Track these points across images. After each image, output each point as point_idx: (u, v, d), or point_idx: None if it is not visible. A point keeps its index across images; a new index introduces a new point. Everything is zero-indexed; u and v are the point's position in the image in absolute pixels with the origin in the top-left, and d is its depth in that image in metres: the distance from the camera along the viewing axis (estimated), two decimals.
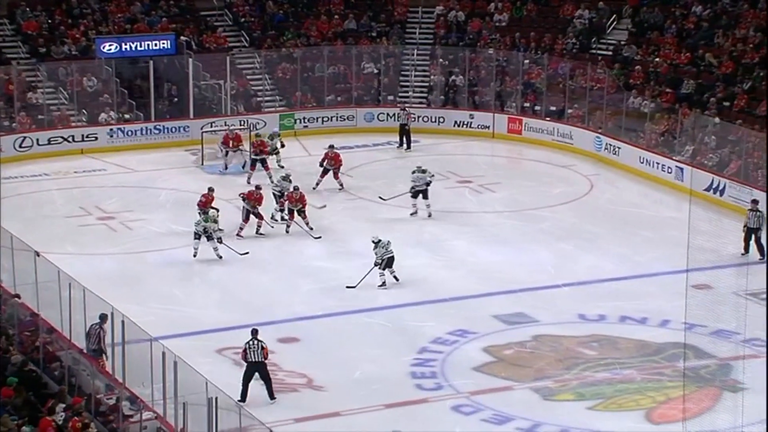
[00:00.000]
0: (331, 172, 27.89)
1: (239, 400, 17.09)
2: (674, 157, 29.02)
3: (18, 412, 15.34)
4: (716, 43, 32.24)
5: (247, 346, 17.79)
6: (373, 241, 22.28)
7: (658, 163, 29.23)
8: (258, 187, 25.42)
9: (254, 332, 17.97)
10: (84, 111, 32.29)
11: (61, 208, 26.95)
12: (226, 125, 31.44)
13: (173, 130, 32.21)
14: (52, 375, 17.09)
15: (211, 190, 25.50)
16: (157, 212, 26.66)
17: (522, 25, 35.94)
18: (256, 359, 17.72)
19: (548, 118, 32.81)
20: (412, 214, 26.21)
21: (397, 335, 20.28)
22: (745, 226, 23.83)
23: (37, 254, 19.11)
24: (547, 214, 26.77)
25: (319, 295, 21.99)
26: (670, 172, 28.80)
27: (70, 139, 31.32)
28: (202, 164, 30.09)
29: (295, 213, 25.02)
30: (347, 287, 21.97)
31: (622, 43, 34.23)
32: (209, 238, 23.41)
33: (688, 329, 19.27)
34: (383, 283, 22.08)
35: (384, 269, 22.10)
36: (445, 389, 18.61)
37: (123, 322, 16.79)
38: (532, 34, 35.19)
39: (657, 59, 32.82)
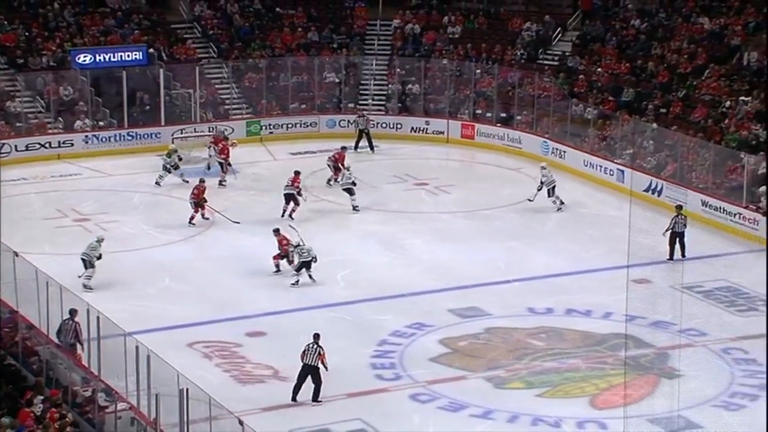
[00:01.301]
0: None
1: (292, 399, 17.39)
2: (615, 160, 29.22)
3: None
4: (653, 54, 32.52)
5: (307, 348, 17.63)
6: (296, 244, 22.21)
7: (600, 166, 29.41)
8: (202, 180, 25.95)
9: (316, 337, 17.80)
10: (60, 119, 31.98)
11: (39, 210, 26.67)
12: (195, 132, 31.29)
13: (145, 136, 31.99)
14: (31, 369, 16.90)
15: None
16: (131, 214, 26.46)
17: (474, 37, 36.04)
18: (311, 362, 17.53)
19: (499, 124, 32.92)
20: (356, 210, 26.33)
21: (359, 329, 20.29)
22: (671, 231, 23.37)
23: (16, 254, 18.90)
24: (499, 214, 26.85)
25: (283, 291, 21.93)
26: (612, 174, 28.99)
27: (47, 145, 31.01)
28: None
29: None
30: (292, 284, 21.81)
31: (567, 54, 34.42)
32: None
33: (628, 321, 19.43)
34: (296, 282, 21.90)
35: (300, 270, 21.97)
36: (403, 379, 18.63)
37: (98, 318, 16.66)
38: (483, 45, 35.29)
39: (599, 69, 33.04)
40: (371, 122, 32.40)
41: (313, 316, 20.78)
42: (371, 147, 31.64)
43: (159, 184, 28.15)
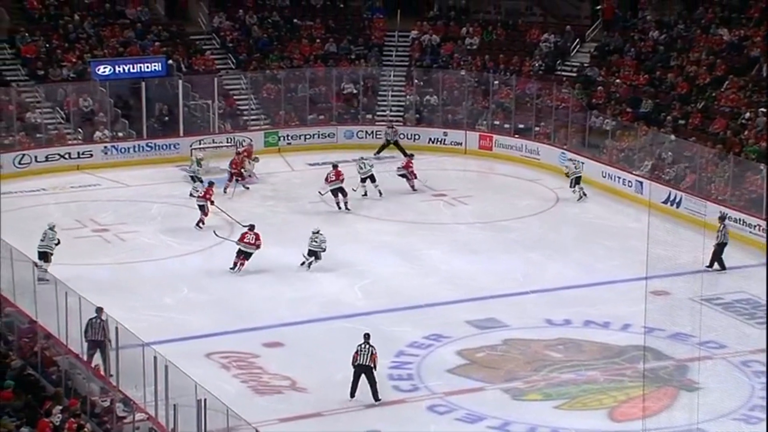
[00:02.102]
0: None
1: (351, 396, 17.70)
2: (634, 172, 29.13)
3: (17, 414, 15.23)
4: (672, 65, 32.43)
5: (359, 348, 17.84)
6: (312, 232, 23.23)
7: (619, 177, 29.34)
8: (211, 183, 26.73)
9: (367, 337, 18.03)
10: (80, 129, 32.14)
11: (58, 221, 26.64)
12: (213, 142, 31.43)
13: (164, 147, 32.11)
14: (50, 379, 16.97)
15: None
16: (149, 224, 26.55)
17: (492, 48, 36.06)
18: (365, 362, 17.72)
19: (517, 136, 32.88)
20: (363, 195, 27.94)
21: (376, 340, 20.17)
22: (718, 243, 23.31)
23: (36, 265, 18.99)
24: (516, 225, 26.81)
25: (301, 301, 21.94)
26: (630, 186, 28.91)
27: (66, 156, 31.16)
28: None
29: None
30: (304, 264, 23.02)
31: (585, 65, 34.39)
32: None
33: (647, 333, 19.35)
34: (303, 263, 23.12)
35: (311, 257, 23.10)
36: (421, 390, 18.59)
37: (117, 328, 16.72)
38: (501, 56, 35.31)
39: (617, 80, 32.98)
40: (399, 134, 32.67)
41: (331, 326, 20.79)
42: (404, 154, 31.66)
43: (194, 195, 27.89)
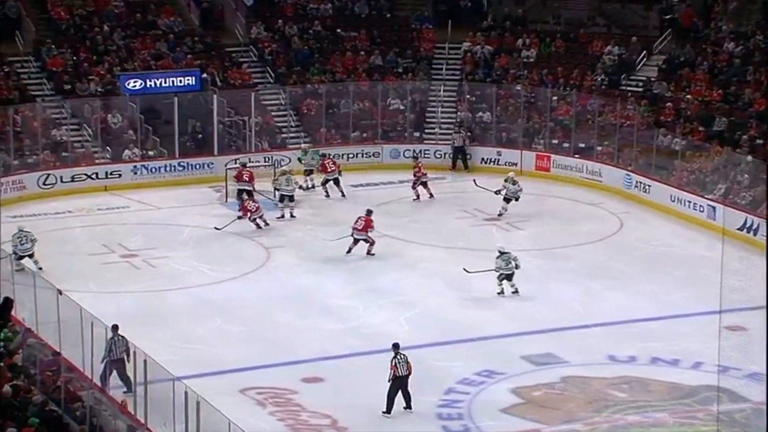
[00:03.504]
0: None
1: (384, 412, 18.27)
2: (706, 196, 28.90)
3: None
4: (749, 79, 32.18)
5: (396, 362, 18.38)
6: (499, 251, 23.57)
7: (689, 202, 29.13)
8: (244, 164, 29.57)
9: (397, 346, 18.66)
10: (108, 148, 32.54)
11: (84, 245, 27.10)
12: (250, 161, 31.67)
13: (197, 166, 32.42)
14: (74, 415, 17.10)
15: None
16: (181, 250, 26.77)
17: (550, 61, 36.04)
18: (404, 373, 18.39)
19: (577, 156, 32.79)
20: (499, 215, 28.75)
21: (423, 375, 20.16)
22: None
23: (60, 292, 19.21)
24: (576, 253, 26.69)
25: (342, 333, 21.98)
26: (702, 211, 28.68)
27: (93, 176, 31.56)
28: (226, 201, 30.23)
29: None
30: (465, 270, 23.67)
31: (653, 79, 34.23)
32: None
33: (721, 372, 19.13)
34: (501, 291, 23.46)
35: (502, 281, 23.42)
36: (472, 431, 18.52)
37: (145, 361, 16.83)
38: (560, 69, 35.27)
39: (688, 96, 32.79)
40: (467, 140, 33.22)
41: (375, 360, 20.71)
42: (465, 165, 32.45)
43: (282, 216, 28.57)
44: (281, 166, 31.14)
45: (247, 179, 29.57)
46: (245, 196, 28.72)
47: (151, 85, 32.86)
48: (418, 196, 30.44)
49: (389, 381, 18.48)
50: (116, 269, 25.42)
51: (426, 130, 35.01)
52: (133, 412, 17.16)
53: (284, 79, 35.45)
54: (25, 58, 33.98)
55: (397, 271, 25.23)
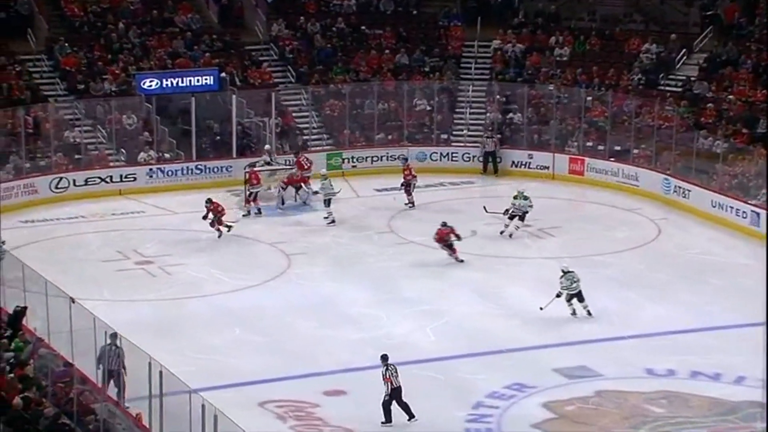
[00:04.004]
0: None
1: (384, 422, 18.49)
2: (749, 201, 28.77)
3: None
4: None
5: (390, 373, 18.61)
6: (562, 270, 23.07)
7: (731, 207, 29.00)
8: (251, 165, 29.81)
9: (385, 358, 18.83)
10: (123, 150, 32.71)
11: (98, 251, 27.24)
12: (270, 164, 31.73)
13: (215, 169, 32.54)
14: (87, 429, 17.17)
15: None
16: (198, 256, 26.87)
17: (584, 59, 35.98)
18: (398, 384, 18.63)
19: (612, 159, 32.72)
20: (501, 233, 27.86)
21: (450, 388, 20.19)
22: None
23: (73, 301, 19.30)
24: (611, 261, 26.62)
25: (365, 344, 21.96)
26: (745, 217, 28.54)
27: (107, 179, 31.73)
28: (245, 205, 30.32)
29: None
30: (540, 308, 22.85)
31: (693, 79, 34.11)
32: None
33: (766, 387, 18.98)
34: (573, 312, 22.96)
35: (570, 300, 22.96)
36: None
37: (161, 372, 16.88)
38: (595, 69, 35.21)
39: (730, 96, 32.65)
40: (498, 144, 33.28)
41: (400, 372, 20.73)
42: (495, 169, 32.75)
43: (333, 221, 28.74)
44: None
45: (255, 182, 29.75)
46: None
47: (167, 85, 32.96)
48: (412, 204, 30.11)
49: (387, 395, 18.58)
50: (131, 276, 25.54)
51: (454, 132, 35.02)
52: (148, 426, 17.22)
53: (306, 79, 35.55)
54: (37, 56, 34.22)
55: (422, 280, 25.22)
